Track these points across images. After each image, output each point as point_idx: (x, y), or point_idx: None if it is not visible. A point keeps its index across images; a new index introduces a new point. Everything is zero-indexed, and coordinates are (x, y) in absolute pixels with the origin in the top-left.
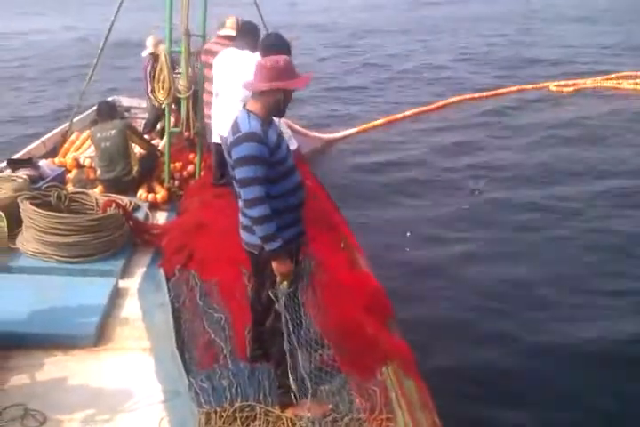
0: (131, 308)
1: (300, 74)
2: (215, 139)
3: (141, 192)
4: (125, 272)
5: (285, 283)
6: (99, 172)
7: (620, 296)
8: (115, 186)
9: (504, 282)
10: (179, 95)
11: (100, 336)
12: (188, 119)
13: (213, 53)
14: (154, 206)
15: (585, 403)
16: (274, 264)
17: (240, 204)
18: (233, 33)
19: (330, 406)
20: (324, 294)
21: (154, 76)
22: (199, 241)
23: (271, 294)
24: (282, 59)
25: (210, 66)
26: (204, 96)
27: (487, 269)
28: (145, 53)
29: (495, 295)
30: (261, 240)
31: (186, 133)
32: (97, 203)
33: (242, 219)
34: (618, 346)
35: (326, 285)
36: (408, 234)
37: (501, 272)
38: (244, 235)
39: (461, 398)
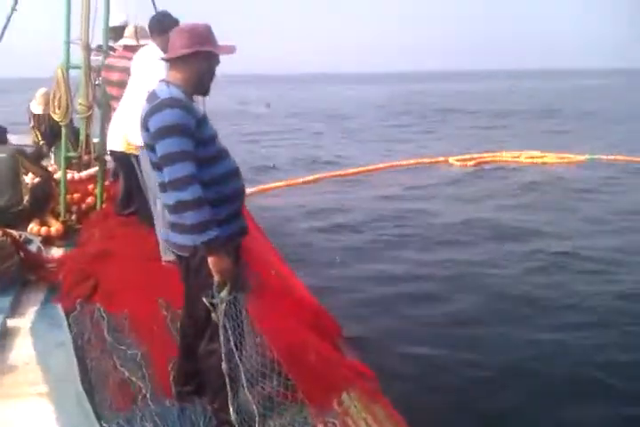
0: (23, 349)
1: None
2: (112, 146)
3: (32, 225)
4: (15, 310)
5: (225, 288)
6: None
7: None
8: (1, 217)
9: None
10: (77, 115)
11: None
12: (87, 142)
13: (114, 69)
14: (47, 242)
15: None
16: (211, 261)
17: (163, 196)
18: (133, 42)
19: None
20: (267, 311)
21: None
22: (104, 271)
23: (206, 302)
24: (201, 24)
25: (111, 83)
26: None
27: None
28: (35, 111)
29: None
30: (194, 230)
31: (85, 157)
32: None
33: (167, 216)
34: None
35: (269, 302)
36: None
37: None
38: (170, 235)
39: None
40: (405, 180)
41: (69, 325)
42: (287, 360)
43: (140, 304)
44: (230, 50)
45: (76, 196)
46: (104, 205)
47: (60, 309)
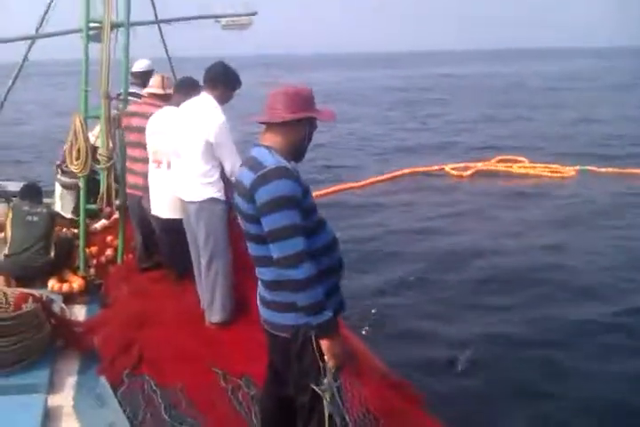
0: None
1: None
2: (157, 211)
3: (53, 282)
4: (54, 385)
5: (334, 371)
6: (6, 250)
7: None
8: (24, 269)
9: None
10: (97, 166)
11: None
12: (109, 193)
13: (136, 115)
14: (69, 299)
15: None
16: (325, 344)
17: (261, 271)
18: (159, 91)
19: None
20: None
21: None
22: (147, 337)
23: (318, 390)
24: (305, 88)
25: (133, 129)
26: (128, 164)
27: None
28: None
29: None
30: (307, 311)
31: (107, 209)
32: (6, 297)
33: (263, 292)
34: None
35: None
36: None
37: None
38: (267, 313)
39: None
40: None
41: (119, 402)
42: None
43: (194, 375)
44: (332, 116)
45: (93, 249)
46: (125, 257)
47: (103, 382)
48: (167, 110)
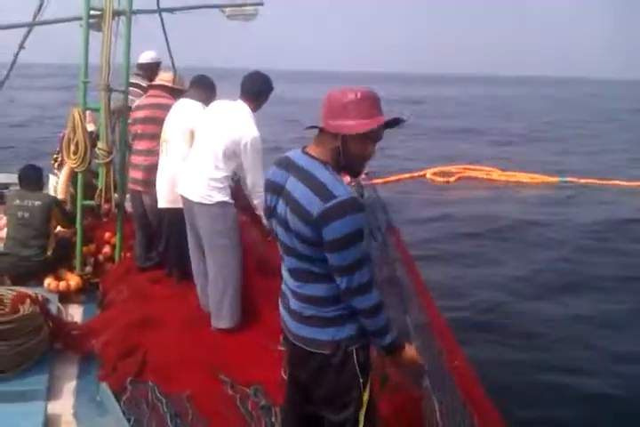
0: None
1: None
2: (163, 203)
3: (49, 280)
4: (53, 392)
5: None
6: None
7: None
8: (20, 267)
9: None
10: (97, 161)
11: None
12: (108, 189)
13: (148, 107)
14: (64, 298)
15: None
16: (400, 357)
17: (299, 285)
18: (170, 84)
19: None
20: None
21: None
22: (151, 341)
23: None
24: (358, 91)
25: (137, 120)
26: (133, 158)
27: None
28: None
29: None
30: (376, 334)
31: (106, 206)
32: (1, 298)
33: (296, 306)
34: None
35: None
36: None
37: None
38: (303, 330)
39: None
40: None
41: (122, 410)
42: None
43: (201, 382)
44: (359, 128)
45: (91, 246)
46: (123, 255)
47: (105, 389)
48: (184, 101)
